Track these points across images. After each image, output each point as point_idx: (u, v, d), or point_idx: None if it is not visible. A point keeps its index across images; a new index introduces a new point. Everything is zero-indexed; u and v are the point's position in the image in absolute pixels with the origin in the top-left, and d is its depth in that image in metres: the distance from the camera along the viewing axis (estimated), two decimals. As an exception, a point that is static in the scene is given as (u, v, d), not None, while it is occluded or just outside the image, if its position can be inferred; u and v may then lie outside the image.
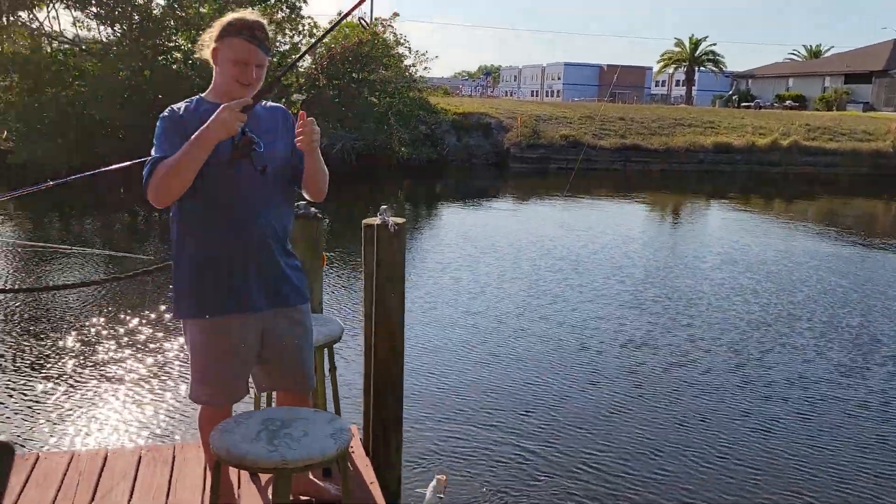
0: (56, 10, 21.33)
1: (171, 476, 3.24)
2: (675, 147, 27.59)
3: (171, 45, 20.02)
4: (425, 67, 24.37)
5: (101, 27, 20.87)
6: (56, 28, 21.86)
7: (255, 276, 2.45)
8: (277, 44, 21.35)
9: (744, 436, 5.21)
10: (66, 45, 21.12)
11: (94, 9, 19.96)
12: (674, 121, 30.32)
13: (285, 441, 2.23)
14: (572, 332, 7.43)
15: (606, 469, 4.65)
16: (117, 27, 20.45)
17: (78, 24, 21.32)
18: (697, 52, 55.98)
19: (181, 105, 2.44)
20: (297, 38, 21.84)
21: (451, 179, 23.63)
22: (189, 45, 19.25)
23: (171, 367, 6.14)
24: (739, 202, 20.72)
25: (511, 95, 74.41)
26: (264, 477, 3.18)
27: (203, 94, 2.48)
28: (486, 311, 8.11)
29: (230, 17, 2.39)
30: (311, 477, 2.95)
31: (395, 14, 23.85)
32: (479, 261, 10.84)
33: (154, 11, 20.21)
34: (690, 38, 56.28)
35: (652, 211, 19.19)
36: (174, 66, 19.24)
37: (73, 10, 20.52)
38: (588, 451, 4.88)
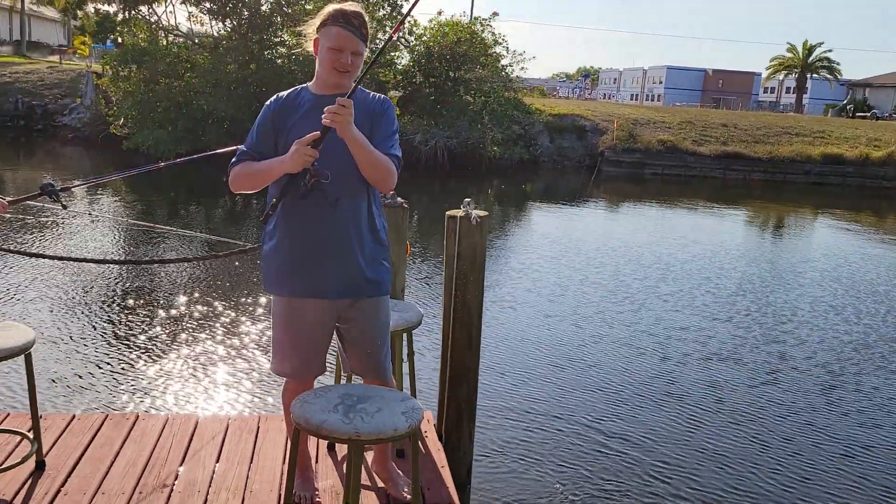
0: (173, 5, 22.53)
1: (254, 444, 3.43)
2: (780, 156, 26.55)
3: (277, 40, 20.78)
4: (522, 68, 24.35)
5: (213, 22, 21.91)
6: (172, 22, 23.09)
7: (332, 267, 2.54)
8: (378, 41, 21.82)
9: (829, 460, 5.02)
10: (181, 39, 22.25)
11: (207, 4, 20.94)
12: (781, 129, 29.17)
13: (360, 415, 2.34)
14: (654, 341, 7.32)
15: (675, 480, 4.59)
16: (228, 22, 21.40)
17: (192, 19, 22.47)
18: (811, 59, 53.56)
19: (286, 93, 2.60)
20: (396, 35, 22.21)
21: (541, 180, 23.53)
22: (293, 41, 19.93)
23: (256, 345, 6.43)
24: (847, 217, 19.74)
25: (610, 98, 73.25)
26: (341, 453, 3.32)
27: (308, 84, 2.62)
28: (566, 315, 8.09)
29: (330, 7, 2.51)
30: (389, 463, 3.04)
31: (495, 13, 23.85)
32: (563, 263, 10.79)
33: (263, 7, 21.04)
34: (804, 44, 53.91)
35: (749, 221, 18.55)
36: (278, 61, 19.95)
37: (188, 6, 21.63)
38: (658, 460, 4.82)
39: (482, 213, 3.39)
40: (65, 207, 3.37)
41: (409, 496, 2.92)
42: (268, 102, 2.60)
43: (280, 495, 3.01)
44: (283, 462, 3.26)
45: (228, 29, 21.19)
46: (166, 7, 22.70)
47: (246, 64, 19.89)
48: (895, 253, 14.21)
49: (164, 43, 21.84)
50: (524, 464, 4.61)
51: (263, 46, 20.53)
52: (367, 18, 2.53)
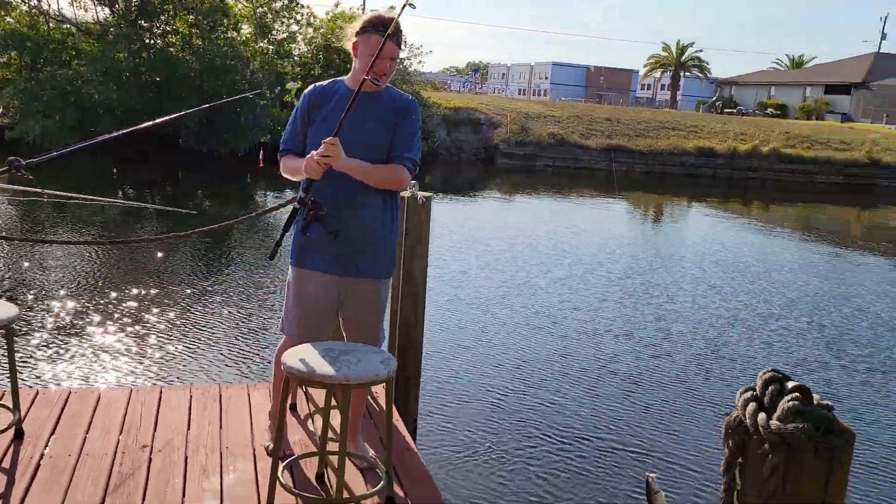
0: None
1: (220, 410, 3.70)
2: (658, 149, 28.25)
3: (170, 28, 20.30)
4: (420, 62, 24.74)
5: (99, 8, 21.12)
6: (55, 7, 22.06)
7: (340, 247, 2.90)
8: (275, 32, 21.71)
9: (706, 420, 5.77)
10: (65, 25, 21.32)
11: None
12: (659, 123, 30.99)
13: (346, 364, 2.71)
14: (551, 321, 7.92)
15: (572, 435, 5.18)
16: (115, 8, 20.68)
17: (76, 4, 21.56)
18: (683, 58, 56.82)
19: (323, 84, 2.95)
20: (294, 27, 22.19)
21: (439, 172, 24.11)
22: (188, 30, 19.54)
23: (215, 320, 6.61)
24: (719, 205, 21.40)
25: (499, 93, 74.91)
26: (303, 412, 3.66)
27: (344, 77, 2.95)
28: (469, 299, 8.53)
29: (370, 15, 2.80)
30: (358, 422, 3.38)
31: (391, 7, 24.16)
32: (463, 251, 11.29)
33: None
34: (677, 44, 57.13)
35: (634, 210, 19.80)
36: (172, 50, 19.52)
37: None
38: (559, 422, 5.41)
39: (426, 193, 3.80)
40: (32, 179, 3.56)
41: (371, 450, 3.29)
42: (305, 91, 2.93)
43: (254, 450, 3.32)
44: (251, 425, 3.57)
45: (116, 15, 20.49)
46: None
47: (137, 52, 19.34)
48: (763, 237, 15.65)
49: (46, 28, 20.86)
50: (449, 419, 5.08)
51: (156, 35, 20.02)
52: (400, 24, 2.80)
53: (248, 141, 19.33)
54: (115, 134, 3.77)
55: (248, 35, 20.93)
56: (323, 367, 2.68)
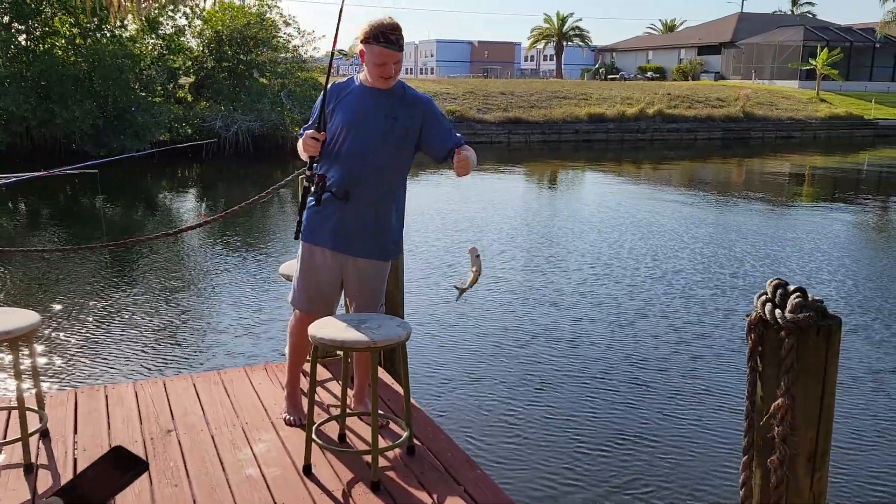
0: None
1: (226, 392, 3.95)
2: (553, 119, 29.26)
3: (49, 30, 19.38)
4: (315, 48, 24.64)
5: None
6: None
7: (346, 226, 3.22)
8: (163, 27, 21.13)
9: (628, 373, 6.40)
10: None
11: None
12: (550, 94, 32.05)
13: (369, 330, 3.03)
14: (481, 293, 8.33)
15: (504, 390, 5.69)
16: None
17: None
18: (565, 28, 58.47)
19: (341, 82, 3.27)
20: (181, 21, 21.65)
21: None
22: (72, 31, 18.77)
23: (204, 311, 6.71)
24: (613, 167, 22.53)
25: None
26: (305, 386, 3.95)
27: (358, 75, 3.26)
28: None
29: (371, 23, 3.09)
30: (366, 390, 3.70)
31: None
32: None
33: (27, -6, 19.47)
34: (558, 14, 58.70)
35: (538, 180, 20.60)
36: (58, 52, 18.69)
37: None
38: (494, 380, 5.91)
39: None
40: None
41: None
42: (327, 87, 3.23)
43: (272, 422, 3.60)
44: (260, 401, 3.83)
45: (-13, 19, 19.38)
46: None
47: (17, 57, 18.43)
48: (652, 191, 16.72)
49: None
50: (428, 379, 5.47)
51: (34, 37, 19.10)
52: (400, 26, 3.11)
53: (147, 141, 18.85)
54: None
55: (135, 31, 20.27)
56: (349, 333, 3.00)
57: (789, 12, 61.87)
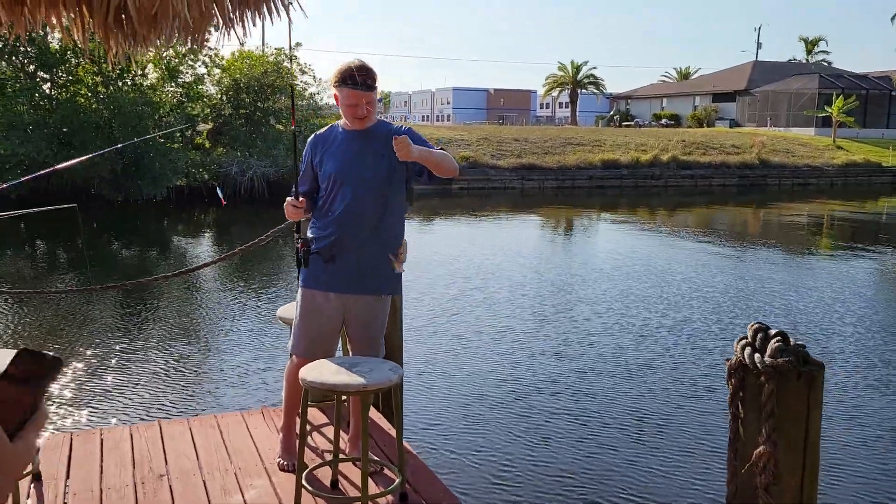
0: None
1: (221, 436, 3.91)
2: (567, 165, 29.39)
3: (73, 78, 19.89)
4: (330, 95, 25.01)
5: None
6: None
7: (345, 268, 3.25)
8: (182, 74, 21.61)
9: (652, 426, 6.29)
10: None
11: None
12: (564, 140, 32.26)
13: (361, 374, 3.01)
14: (486, 341, 8.33)
15: (528, 438, 5.60)
16: (13, 60, 20.13)
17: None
18: (580, 76, 59.13)
19: (322, 131, 3.33)
20: (201, 70, 22.14)
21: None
22: (94, 79, 19.23)
23: (199, 352, 6.70)
24: (627, 213, 22.52)
25: (405, 120, 75.84)
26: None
27: (339, 122, 3.32)
28: (417, 320, 8.87)
29: (340, 67, 3.16)
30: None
31: (298, 44, 24.49)
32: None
33: (52, 45, 20.04)
34: (572, 63, 59.42)
35: (553, 226, 20.61)
36: (79, 100, 19.14)
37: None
38: (517, 426, 5.82)
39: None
40: None
41: (373, 455, 3.58)
42: (309, 139, 3.32)
43: (265, 468, 3.56)
44: (255, 446, 3.80)
45: (14, 68, 19.93)
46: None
47: (40, 104, 18.90)
48: (668, 238, 16.64)
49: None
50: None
51: (58, 85, 19.60)
52: (370, 67, 3.17)
53: (164, 186, 19.14)
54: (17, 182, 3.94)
55: (155, 80, 20.75)
56: (340, 377, 2.97)
57: (804, 60, 62.26)
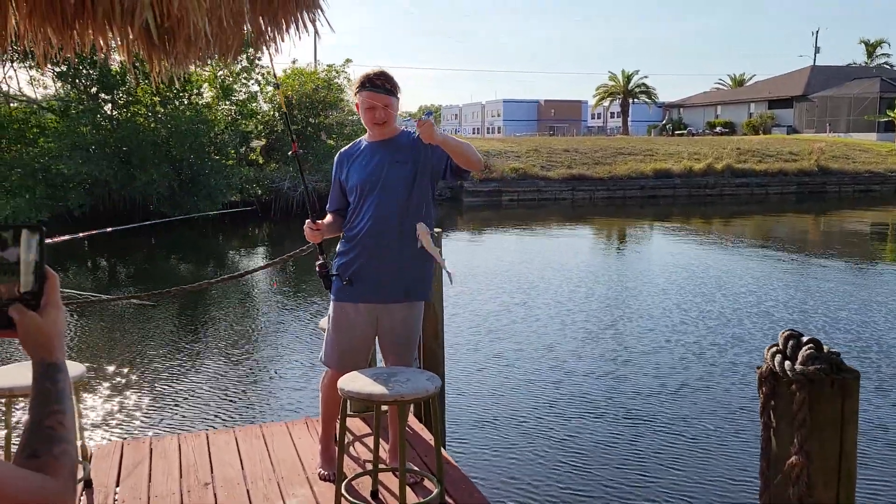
0: (14, 70, 21.67)
1: (266, 446, 3.98)
2: (618, 175, 29.08)
3: (132, 98, 20.54)
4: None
5: (59, 84, 21.30)
6: (14, 87, 22.17)
7: (374, 277, 3.28)
8: (236, 93, 22.14)
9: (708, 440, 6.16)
10: (25, 103, 21.45)
11: (55, 68, 20.39)
12: (615, 150, 31.94)
13: (398, 384, 3.03)
14: (543, 356, 8.27)
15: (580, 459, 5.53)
16: (76, 83, 20.91)
17: (34, 83, 21.71)
18: (630, 85, 58.53)
19: (347, 147, 3.41)
20: (255, 88, 22.64)
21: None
22: (153, 99, 19.84)
23: (247, 365, 6.85)
24: (681, 223, 22.13)
25: (455, 133, 76.13)
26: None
27: (364, 137, 3.39)
28: (454, 334, 8.65)
29: (361, 75, 3.25)
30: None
31: (348, 60, 24.88)
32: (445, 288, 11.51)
33: (113, 67, 20.76)
34: (623, 72, 58.87)
35: (606, 237, 20.39)
36: (139, 120, 19.78)
37: (28, 70, 20.92)
38: (567, 446, 5.75)
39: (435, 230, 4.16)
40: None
41: (412, 465, 3.59)
42: (335, 157, 3.41)
43: (307, 477, 3.60)
44: (298, 456, 3.85)
45: (77, 90, 20.70)
46: (5, 73, 21.82)
47: (102, 125, 19.58)
48: (721, 249, 16.28)
49: (7, 109, 20.96)
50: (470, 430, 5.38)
51: (118, 106, 20.28)
52: (390, 74, 3.24)
53: (220, 202, 19.59)
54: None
55: (210, 98, 21.30)
56: (378, 387, 3.00)
57: (865, 63, 60.47)
